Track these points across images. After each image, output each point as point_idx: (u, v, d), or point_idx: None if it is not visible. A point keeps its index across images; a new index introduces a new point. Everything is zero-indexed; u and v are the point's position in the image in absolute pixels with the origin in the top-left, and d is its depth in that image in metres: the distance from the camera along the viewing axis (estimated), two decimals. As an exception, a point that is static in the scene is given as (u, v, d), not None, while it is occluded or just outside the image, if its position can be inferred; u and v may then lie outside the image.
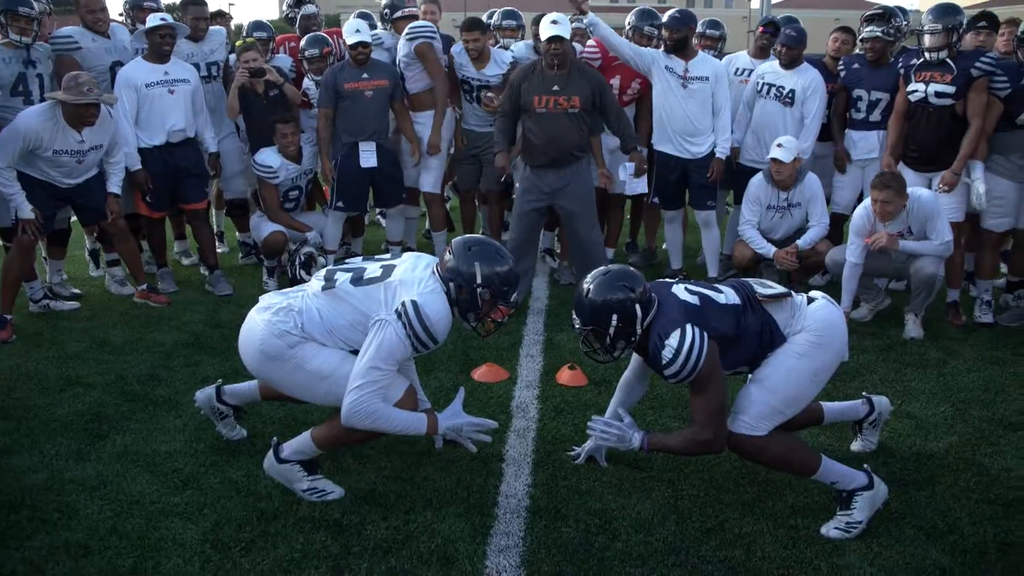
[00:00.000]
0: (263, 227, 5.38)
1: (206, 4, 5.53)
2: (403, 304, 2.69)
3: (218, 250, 6.08)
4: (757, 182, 5.03)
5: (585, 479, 3.05)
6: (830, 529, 2.71)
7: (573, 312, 2.80)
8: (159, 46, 4.98)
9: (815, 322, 2.79)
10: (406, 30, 5.33)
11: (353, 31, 5.23)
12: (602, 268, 2.82)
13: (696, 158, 5.16)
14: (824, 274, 5.43)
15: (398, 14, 5.63)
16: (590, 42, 5.47)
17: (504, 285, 2.79)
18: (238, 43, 5.53)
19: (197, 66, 5.36)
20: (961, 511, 2.84)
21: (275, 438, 2.91)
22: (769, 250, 4.97)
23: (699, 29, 5.69)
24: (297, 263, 5.19)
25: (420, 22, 5.42)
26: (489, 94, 5.36)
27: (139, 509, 2.84)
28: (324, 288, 2.85)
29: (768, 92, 5.25)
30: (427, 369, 4.06)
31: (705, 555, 2.60)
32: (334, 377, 2.79)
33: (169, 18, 5.04)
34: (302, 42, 5.65)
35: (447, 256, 2.83)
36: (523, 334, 4.61)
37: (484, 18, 5.92)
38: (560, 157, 4.75)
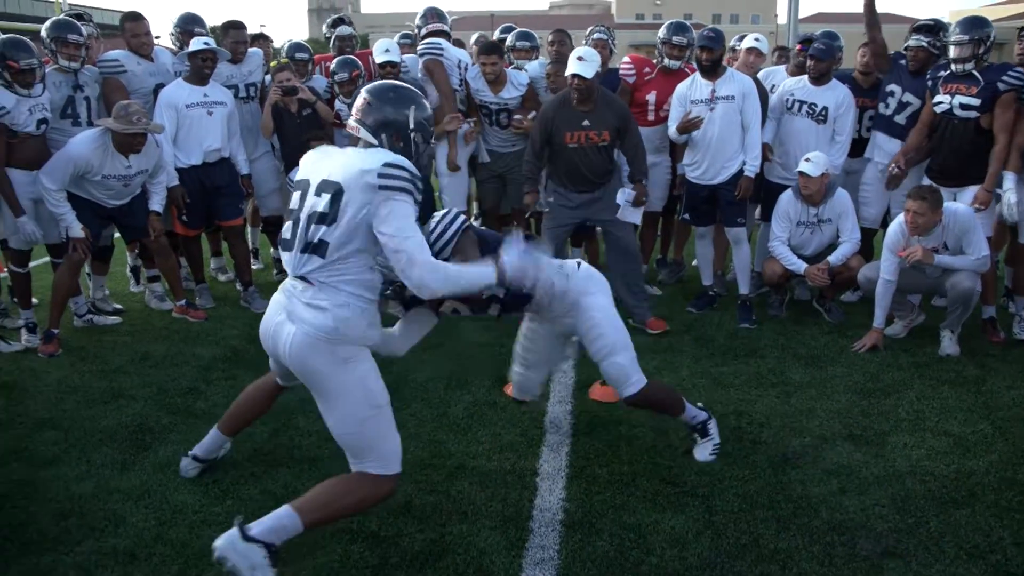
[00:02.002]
0: (299, 244, 5.46)
1: (245, 28, 5.68)
2: (372, 177, 2.37)
3: (253, 267, 6.19)
4: (786, 198, 5.03)
5: (619, 493, 3.07)
6: (705, 455, 3.31)
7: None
8: (200, 69, 5.12)
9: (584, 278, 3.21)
10: (418, 47, 5.44)
11: (383, 51, 5.34)
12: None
13: (726, 181, 5.14)
14: (856, 290, 5.40)
15: (424, 31, 5.72)
16: (625, 58, 5.53)
17: (429, 126, 2.62)
18: (273, 63, 5.65)
19: (236, 87, 5.49)
20: (1004, 530, 2.81)
21: (239, 516, 2.43)
22: (800, 266, 4.96)
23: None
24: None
25: (431, 39, 5.51)
26: (517, 116, 5.44)
27: (182, 518, 2.91)
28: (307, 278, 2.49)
29: (799, 109, 5.23)
30: (460, 384, 4.11)
31: (741, 571, 2.60)
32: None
33: (212, 42, 5.19)
34: (332, 65, 5.76)
35: (362, 111, 2.54)
36: (555, 350, 4.64)
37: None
38: (589, 184, 4.89)
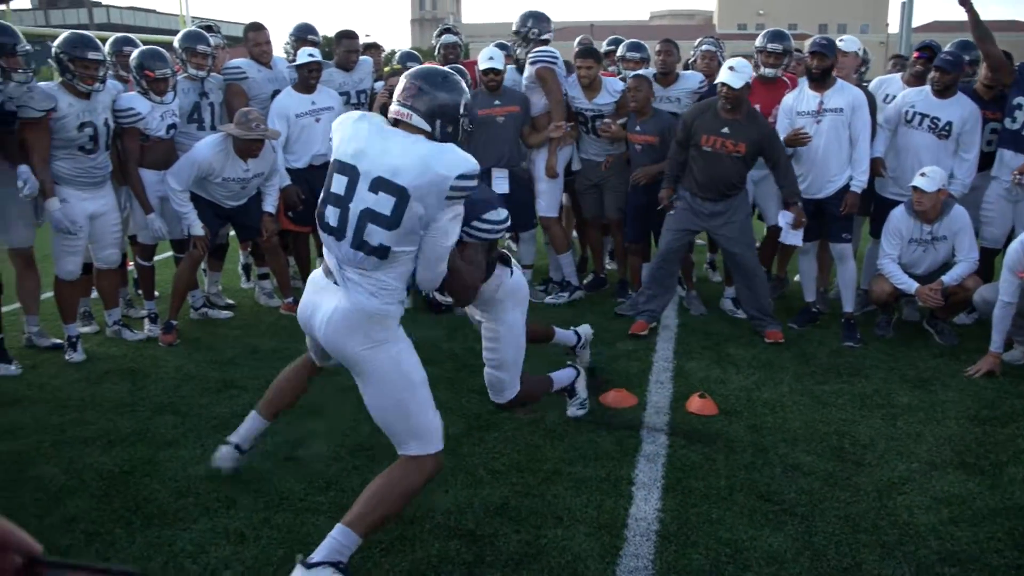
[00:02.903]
0: (402, 247, 5.62)
1: (358, 37, 5.91)
2: (446, 186, 2.32)
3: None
4: (899, 214, 4.85)
5: (715, 507, 3.03)
6: (574, 412, 3.79)
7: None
8: (306, 79, 5.37)
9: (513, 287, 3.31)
10: (530, 54, 5.49)
11: (487, 58, 5.44)
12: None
13: (831, 195, 5.00)
14: (971, 312, 5.15)
15: (537, 37, 5.76)
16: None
17: (473, 112, 2.56)
18: (386, 69, 5.83)
19: (347, 94, 5.71)
20: None
21: (300, 556, 2.43)
22: (911, 286, 4.78)
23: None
24: (432, 284, 5.40)
25: (544, 47, 5.56)
26: (606, 120, 5.45)
27: (287, 504, 3.04)
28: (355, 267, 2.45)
29: (920, 122, 4.99)
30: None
31: (842, 594, 2.53)
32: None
33: (317, 54, 5.44)
34: None
35: (413, 96, 2.42)
36: (652, 360, 4.62)
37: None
38: (717, 192, 4.87)
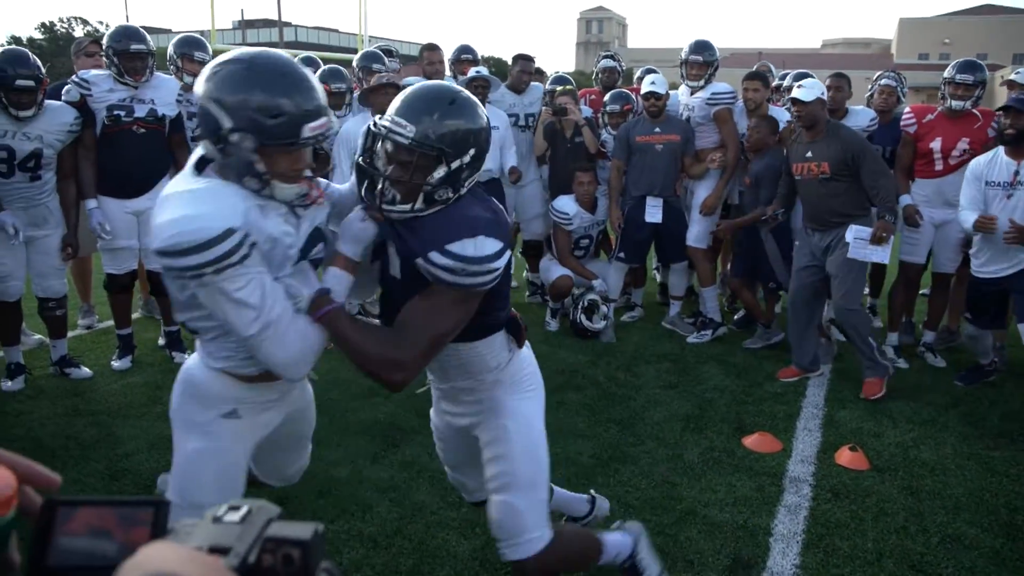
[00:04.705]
0: (552, 270, 5.67)
1: (533, 61, 6.06)
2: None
3: (509, 285, 6.51)
4: None
5: (860, 572, 2.82)
6: None
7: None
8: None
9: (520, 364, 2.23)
10: (708, 95, 5.37)
11: (649, 83, 5.40)
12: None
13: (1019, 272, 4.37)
14: None
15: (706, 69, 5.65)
16: (906, 108, 5.14)
17: (272, 116, 1.75)
18: (559, 89, 5.91)
19: (516, 116, 5.85)
20: None
21: None
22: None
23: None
24: (580, 308, 5.41)
25: (722, 86, 5.44)
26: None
27: (420, 516, 3.11)
28: None
29: None
30: (697, 427, 4.02)
31: None
32: None
33: (484, 71, 5.58)
34: (605, 97, 5.92)
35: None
36: (801, 406, 4.39)
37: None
38: (822, 221, 4.54)
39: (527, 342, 2.25)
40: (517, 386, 2.18)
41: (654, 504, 3.24)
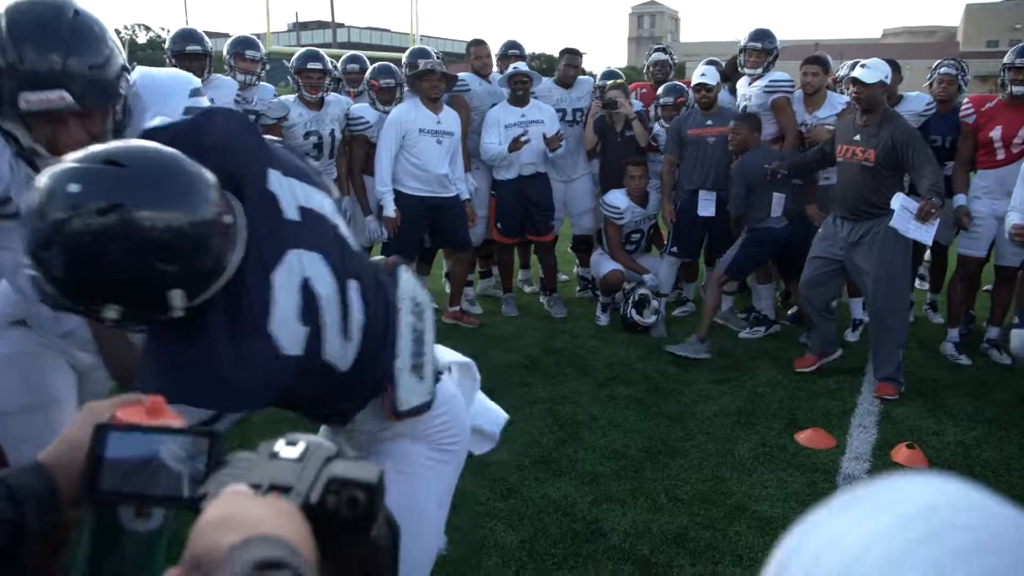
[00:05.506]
0: (603, 264, 5.65)
1: (580, 55, 6.04)
2: None
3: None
4: None
5: (918, 571, 2.76)
6: None
7: None
8: (515, 91, 5.53)
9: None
10: (766, 83, 5.29)
11: (699, 74, 5.34)
12: None
13: None
14: None
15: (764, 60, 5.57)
16: (965, 99, 4.98)
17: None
18: (609, 83, 5.90)
19: (564, 111, 5.84)
20: None
21: None
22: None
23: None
24: (631, 303, 5.38)
25: (780, 74, 5.35)
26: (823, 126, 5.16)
27: (468, 507, 3.13)
28: None
29: None
30: (748, 422, 3.97)
31: None
32: None
33: (523, 66, 5.60)
34: (659, 89, 5.88)
35: None
36: (857, 402, 4.30)
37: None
38: (853, 209, 4.35)
39: None
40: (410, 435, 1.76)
41: (703, 498, 3.21)
